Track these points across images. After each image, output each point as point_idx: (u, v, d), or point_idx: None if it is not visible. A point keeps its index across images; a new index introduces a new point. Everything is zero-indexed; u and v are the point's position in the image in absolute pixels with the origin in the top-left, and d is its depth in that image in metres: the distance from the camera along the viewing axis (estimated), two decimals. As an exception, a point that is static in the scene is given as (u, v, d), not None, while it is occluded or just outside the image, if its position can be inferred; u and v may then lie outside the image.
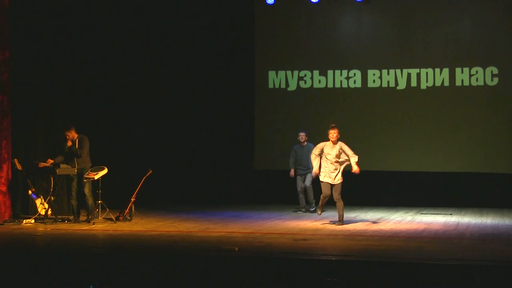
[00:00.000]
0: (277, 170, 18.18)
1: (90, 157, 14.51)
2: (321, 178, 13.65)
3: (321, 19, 18.24)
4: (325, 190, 13.62)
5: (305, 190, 16.18)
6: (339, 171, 13.55)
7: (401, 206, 17.09)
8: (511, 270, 9.00)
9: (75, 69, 16.30)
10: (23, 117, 15.17)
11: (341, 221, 13.60)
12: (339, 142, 13.61)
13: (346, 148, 13.58)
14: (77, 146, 14.26)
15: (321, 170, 13.63)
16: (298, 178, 16.18)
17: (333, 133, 13.55)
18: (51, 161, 14.23)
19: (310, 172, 15.40)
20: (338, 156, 13.52)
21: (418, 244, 11.22)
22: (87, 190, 14.11)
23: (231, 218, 14.95)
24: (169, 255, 10.18)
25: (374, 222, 14.12)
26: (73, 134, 14.28)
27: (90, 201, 14.16)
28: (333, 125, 13.67)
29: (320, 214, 14.31)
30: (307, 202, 16.21)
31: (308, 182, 16.08)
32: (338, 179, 13.53)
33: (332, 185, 13.59)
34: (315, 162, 13.73)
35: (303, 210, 16.11)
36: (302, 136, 16.21)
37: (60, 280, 9.52)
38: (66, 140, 14.27)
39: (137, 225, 13.63)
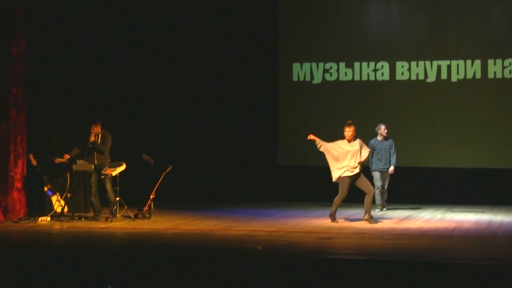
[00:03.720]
0: (301, 166, 18.08)
1: (110, 153, 14.41)
2: (342, 174, 13.31)
3: (347, 8, 18.16)
4: (344, 188, 13.27)
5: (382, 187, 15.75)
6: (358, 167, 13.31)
7: (431, 203, 16.87)
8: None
9: (93, 62, 16.27)
10: (39, 111, 15.06)
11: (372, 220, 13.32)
12: (358, 140, 13.40)
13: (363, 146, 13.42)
14: (99, 142, 14.16)
15: (339, 166, 13.28)
16: (377, 173, 15.62)
17: (348, 131, 13.30)
18: (68, 156, 14.17)
19: (387, 169, 15.44)
20: (357, 153, 13.28)
21: (448, 243, 11.11)
22: (108, 187, 14.03)
23: (254, 216, 14.83)
24: (190, 254, 10.06)
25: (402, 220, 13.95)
26: (98, 129, 14.20)
27: (112, 197, 14.08)
28: (350, 122, 13.45)
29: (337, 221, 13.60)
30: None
31: (386, 183, 15.74)
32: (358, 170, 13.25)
33: (353, 181, 13.28)
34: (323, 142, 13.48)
35: (380, 207, 15.61)
36: (382, 129, 15.72)
37: (77, 280, 9.40)
38: (89, 134, 14.14)
39: (156, 223, 13.52)
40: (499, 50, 17.12)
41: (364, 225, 13.11)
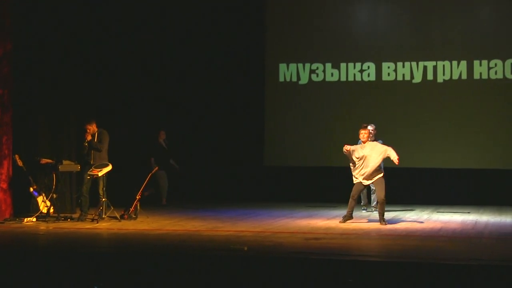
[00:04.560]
0: (288, 167, 18.06)
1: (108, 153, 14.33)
2: (355, 180, 13.32)
3: (334, 9, 18.11)
4: (355, 191, 13.30)
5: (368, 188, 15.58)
6: (377, 170, 13.22)
7: (417, 204, 16.87)
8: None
9: (80, 63, 16.11)
10: (24, 112, 14.94)
11: (384, 220, 13.21)
12: (374, 142, 13.40)
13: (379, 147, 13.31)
14: (95, 140, 14.07)
15: (357, 171, 13.24)
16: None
17: (363, 134, 13.24)
18: (89, 137, 13.96)
19: None
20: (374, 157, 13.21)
21: (435, 243, 11.11)
22: (100, 188, 13.93)
23: (240, 216, 14.76)
24: (176, 255, 10.01)
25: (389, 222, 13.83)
26: (94, 128, 14.09)
27: (101, 198, 13.95)
28: (365, 125, 13.45)
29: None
30: (369, 201, 15.64)
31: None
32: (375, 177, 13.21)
33: (365, 187, 13.46)
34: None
35: (366, 208, 15.49)
36: (369, 130, 15.53)
37: (63, 281, 9.34)
38: (85, 134, 14.06)
39: (142, 224, 13.43)
40: (484, 51, 17.10)
41: (350, 225, 13.07)
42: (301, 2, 18.28)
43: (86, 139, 14.00)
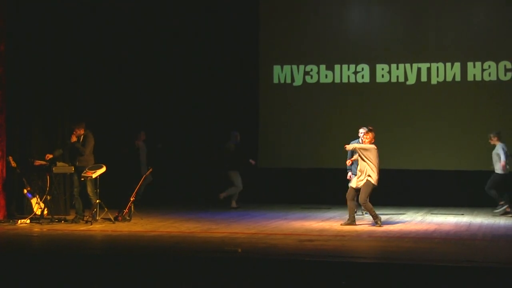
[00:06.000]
0: (282, 168, 18.06)
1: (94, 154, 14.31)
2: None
3: (328, 11, 18.08)
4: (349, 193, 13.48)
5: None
6: (363, 173, 13.30)
7: (411, 205, 16.87)
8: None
9: (74, 64, 16.09)
10: (18, 113, 14.96)
11: (378, 221, 13.30)
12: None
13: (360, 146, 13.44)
14: (80, 143, 14.06)
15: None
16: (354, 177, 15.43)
17: (365, 138, 13.40)
18: (50, 156, 14.04)
19: None
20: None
21: (429, 245, 11.14)
22: (89, 189, 13.90)
23: (234, 218, 14.76)
24: (170, 257, 10.03)
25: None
26: (80, 131, 14.09)
27: (93, 200, 13.96)
28: (371, 128, 13.54)
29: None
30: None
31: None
32: (361, 181, 13.30)
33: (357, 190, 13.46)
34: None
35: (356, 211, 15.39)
36: (362, 132, 15.34)
37: (56, 283, 9.33)
38: (70, 134, 14.05)
39: (136, 226, 13.44)
40: (478, 53, 17.10)
41: (344, 227, 13.08)
42: (295, 4, 18.27)
43: (70, 140, 14.03)
